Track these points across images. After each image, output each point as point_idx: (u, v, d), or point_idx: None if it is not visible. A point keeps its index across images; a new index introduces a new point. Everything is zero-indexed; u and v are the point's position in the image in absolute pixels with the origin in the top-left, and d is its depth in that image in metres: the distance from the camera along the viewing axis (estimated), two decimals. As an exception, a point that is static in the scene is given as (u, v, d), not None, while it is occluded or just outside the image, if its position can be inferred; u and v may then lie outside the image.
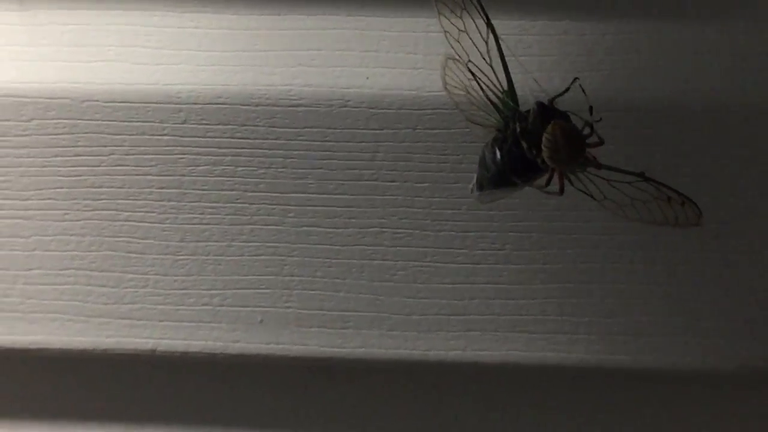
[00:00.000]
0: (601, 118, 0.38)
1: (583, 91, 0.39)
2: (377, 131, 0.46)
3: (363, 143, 0.46)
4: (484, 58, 0.39)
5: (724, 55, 0.46)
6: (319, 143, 0.46)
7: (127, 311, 0.47)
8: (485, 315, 0.47)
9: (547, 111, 0.38)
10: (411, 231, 0.47)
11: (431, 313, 0.47)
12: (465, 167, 0.46)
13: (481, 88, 0.39)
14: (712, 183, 0.46)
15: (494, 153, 0.39)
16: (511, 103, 0.39)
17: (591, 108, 0.39)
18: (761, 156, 0.46)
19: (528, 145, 0.38)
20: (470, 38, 0.39)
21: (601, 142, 0.38)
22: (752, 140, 0.46)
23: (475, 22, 0.39)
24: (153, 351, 0.47)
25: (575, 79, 0.41)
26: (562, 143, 0.37)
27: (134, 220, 0.47)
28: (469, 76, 0.40)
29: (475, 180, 0.41)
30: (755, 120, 0.46)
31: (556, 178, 0.39)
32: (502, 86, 0.39)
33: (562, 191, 0.39)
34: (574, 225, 0.46)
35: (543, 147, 0.37)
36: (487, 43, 0.39)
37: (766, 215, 0.46)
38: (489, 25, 0.39)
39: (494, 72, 0.39)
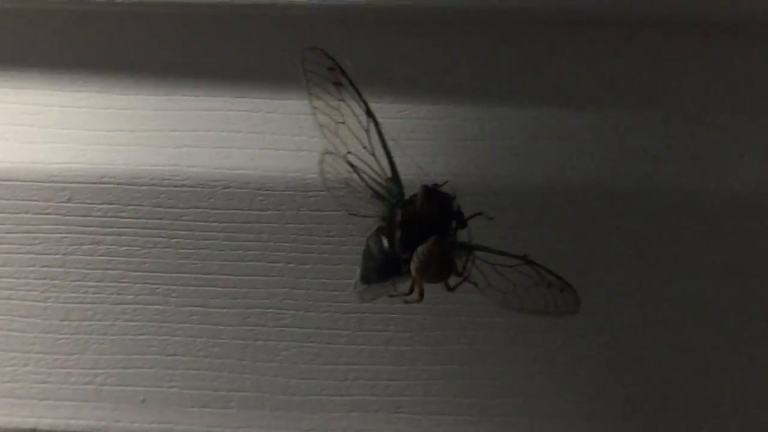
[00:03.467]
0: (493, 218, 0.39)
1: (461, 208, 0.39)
2: (261, 212, 0.46)
3: (247, 224, 0.46)
4: (365, 147, 0.39)
5: (600, 140, 0.46)
6: (203, 224, 0.46)
7: (8, 389, 0.47)
8: (368, 396, 0.47)
9: (432, 194, 0.38)
10: (294, 312, 0.47)
11: (314, 394, 0.47)
12: (348, 249, 0.47)
13: (363, 180, 0.39)
14: (591, 266, 0.46)
15: (380, 242, 0.39)
16: (396, 189, 0.39)
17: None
18: (638, 237, 0.46)
19: (401, 239, 0.38)
20: (349, 128, 0.39)
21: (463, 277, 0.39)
22: (626, 223, 0.46)
23: (353, 111, 0.39)
24: (34, 430, 0.46)
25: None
26: (436, 264, 0.37)
27: (16, 299, 0.47)
28: (349, 168, 0.40)
29: (358, 275, 0.41)
30: (630, 203, 0.46)
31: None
32: (385, 173, 0.39)
33: (421, 297, 0.39)
34: (456, 307, 0.47)
35: (415, 257, 0.37)
36: (367, 131, 0.39)
37: (640, 297, 0.46)
38: (369, 113, 0.39)
39: (377, 160, 0.39)
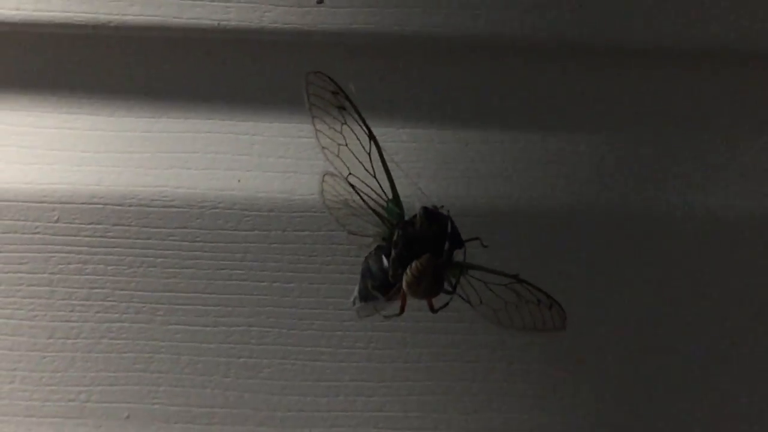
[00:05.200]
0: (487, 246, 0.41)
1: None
2: (248, 232, 0.48)
3: (233, 244, 0.48)
4: (367, 170, 0.40)
5: (568, 163, 0.48)
6: (189, 244, 0.48)
7: (-8, 407, 0.47)
8: (348, 412, 0.48)
9: (432, 215, 0.39)
10: (278, 330, 0.48)
11: (295, 410, 0.48)
12: (332, 268, 0.48)
13: (363, 201, 0.40)
14: (577, 285, 0.48)
15: (381, 261, 0.40)
16: (397, 210, 0.40)
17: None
18: (623, 257, 0.48)
19: (395, 257, 0.39)
20: (351, 151, 0.40)
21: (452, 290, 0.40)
22: (612, 243, 0.48)
23: (355, 134, 0.40)
24: (18, 447, 0.47)
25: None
26: (427, 280, 0.38)
27: (3, 317, 0.47)
28: (350, 189, 0.40)
29: (356, 292, 0.42)
30: (619, 224, 0.48)
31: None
32: (386, 195, 0.40)
33: (401, 311, 0.41)
34: (435, 325, 0.48)
35: (408, 271, 0.38)
36: (369, 154, 0.40)
37: (624, 314, 0.49)
38: (371, 136, 0.40)
39: (378, 182, 0.40)
